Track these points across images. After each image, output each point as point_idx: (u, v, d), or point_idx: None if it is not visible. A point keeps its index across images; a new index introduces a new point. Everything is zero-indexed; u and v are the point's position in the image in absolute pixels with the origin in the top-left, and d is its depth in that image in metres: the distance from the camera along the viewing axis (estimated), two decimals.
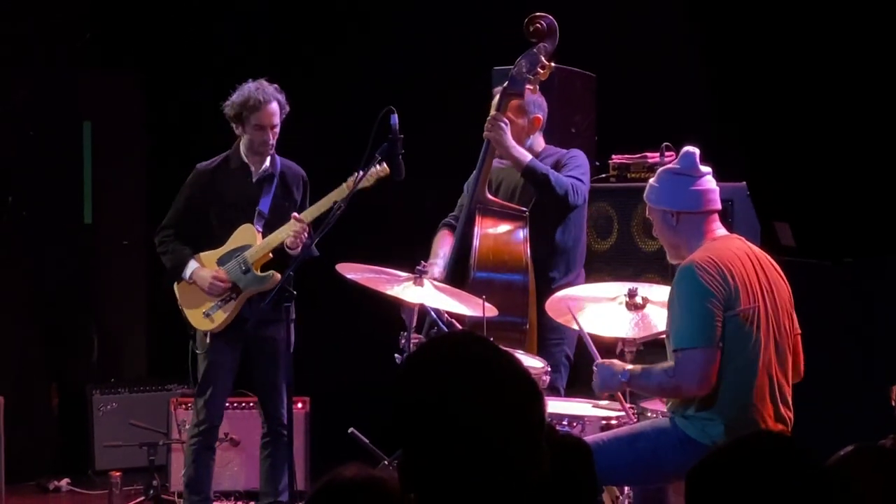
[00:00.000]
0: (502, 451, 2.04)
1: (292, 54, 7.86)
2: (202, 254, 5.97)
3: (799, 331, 4.51)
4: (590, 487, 2.62)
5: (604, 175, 6.34)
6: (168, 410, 7.04)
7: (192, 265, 5.94)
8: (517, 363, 2.14)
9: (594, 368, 4.56)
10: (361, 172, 5.43)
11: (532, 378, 2.15)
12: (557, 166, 5.62)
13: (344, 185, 5.66)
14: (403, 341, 5.22)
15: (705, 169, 4.53)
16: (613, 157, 6.40)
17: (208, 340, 5.92)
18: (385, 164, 5.52)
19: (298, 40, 7.96)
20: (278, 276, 5.79)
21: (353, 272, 5.21)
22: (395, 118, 5.22)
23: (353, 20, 7.94)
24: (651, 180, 4.60)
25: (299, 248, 5.70)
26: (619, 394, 4.64)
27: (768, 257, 4.53)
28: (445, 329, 5.16)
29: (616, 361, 4.53)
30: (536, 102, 5.69)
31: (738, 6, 6.89)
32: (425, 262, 5.32)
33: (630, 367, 4.50)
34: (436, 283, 5.26)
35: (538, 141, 5.74)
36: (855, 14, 6.53)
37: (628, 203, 6.22)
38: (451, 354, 2.11)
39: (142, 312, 8.29)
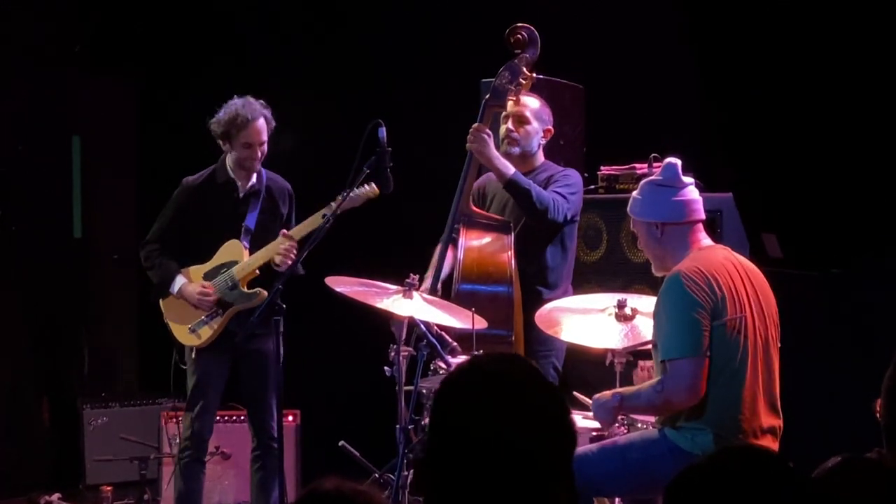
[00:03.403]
0: (543, 473, 2.05)
1: (280, 67, 7.86)
2: (189, 268, 5.96)
3: (779, 344, 4.51)
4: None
5: (592, 186, 6.34)
6: (159, 424, 7.03)
7: (180, 280, 5.93)
8: (550, 383, 2.16)
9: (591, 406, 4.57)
10: (349, 189, 5.43)
11: (563, 397, 2.16)
12: (549, 181, 5.63)
13: (333, 203, 5.67)
14: (393, 354, 5.22)
15: (688, 179, 4.53)
16: (602, 168, 6.41)
17: (193, 356, 5.92)
18: (374, 185, 5.53)
19: (287, 54, 7.96)
20: (265, 293, 5.78)
21: (343, 285, 5.20)
22: (382, 131, 5.22)
23: (341, 34, 7.94)
24: (634, 193, 4.61)
25: (286, 266, 5.70)
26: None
27: (754, 267, 4.54)
28: (435, 342, 5.16)
29: (605, 392, 4.50)
30: (549, 116, 5.73)
31: (727, 20, 6.91)
32: (414, 274, 5.32)
33: (620, 389, 4.51)
34: (425, 295, 5.26)
35: (540, 154, 5.76)
36: (842, 27, 6.55)
37: (617, 214, 6.19)
38: (488, 374, 2.12)
39: (132, 326, 8.28)
